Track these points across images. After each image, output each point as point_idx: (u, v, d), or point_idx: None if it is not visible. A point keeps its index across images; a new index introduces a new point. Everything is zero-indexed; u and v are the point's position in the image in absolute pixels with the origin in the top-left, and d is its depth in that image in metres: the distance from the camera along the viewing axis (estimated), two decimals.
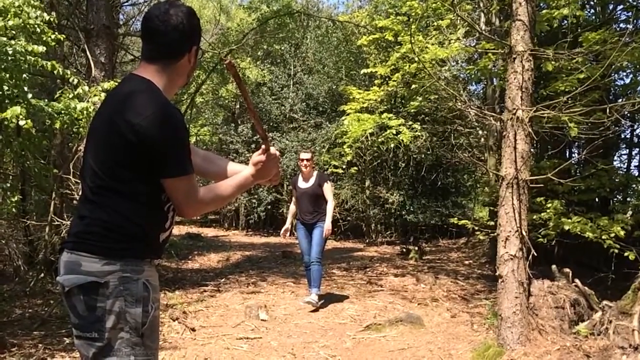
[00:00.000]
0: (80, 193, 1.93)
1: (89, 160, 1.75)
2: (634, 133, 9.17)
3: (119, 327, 1.65)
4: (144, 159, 1.67)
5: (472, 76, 9.09)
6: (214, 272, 8.89)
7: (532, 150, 5.32)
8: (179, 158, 1.71)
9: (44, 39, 4.54)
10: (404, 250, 11.08)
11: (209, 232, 16.93)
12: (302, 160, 6.15)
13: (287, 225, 6.28)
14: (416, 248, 10.86)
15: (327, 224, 5.94)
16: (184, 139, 1.72)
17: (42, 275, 6.54)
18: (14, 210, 6.32)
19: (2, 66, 4.06)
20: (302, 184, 6.13)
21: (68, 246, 1.71)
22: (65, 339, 4.64)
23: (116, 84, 1.95)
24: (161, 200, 1.77)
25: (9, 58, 4.15)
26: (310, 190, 6.04)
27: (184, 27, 1.76)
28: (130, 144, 1.65)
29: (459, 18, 6.97)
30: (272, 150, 1.99)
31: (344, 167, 12.20)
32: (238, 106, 18.09)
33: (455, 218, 7.57)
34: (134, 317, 1.67)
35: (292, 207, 6.34)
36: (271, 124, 16.60)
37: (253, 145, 16.06)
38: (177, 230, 14.66)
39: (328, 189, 6.09)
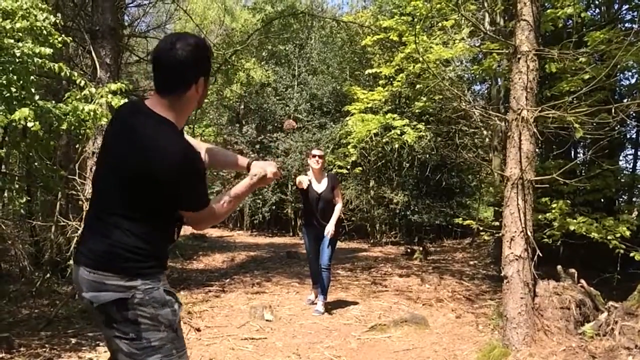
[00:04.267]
0: (92, 203, 1.97)
1: (110, 184, 1.87)
2: None
3: (154, 328, 1.83)
4: (168, 197, 1.85)
5: (477, 76, 9.10)
6: (219, 272, 8.92)
7: (537, 150, 5.31)
8: (199, 193, 1.92)
9: (51, 41, 4.57)
10: (409, 250, 11.07)
11: (214, 232, 16.96)
12: (314, 156, 5.86)
13: (303, 178, 5.77)
14: (421, 248, 10.86)
15: (331, 225, 5.75)
16: (203, 176, 1.92)
17: (48, 275, 6.57)
18: (22, 211, 6.37)
19: (10, 68, 4.09)
20: (315, 185, 5.88)
21: (89, 264, 1.83)
22: (71, 339, 4.66)
23: (132, 106, 2.01)
24: (174, 219, 1.96)
25: (17, 60, 4.18)
26: (324, 194, 5.83)
27: (188, 61, 1.84)
28: (155, 185, 1.81)
29: (463, 18, 6.97)
30: (269, 173, 2.17)
31: (348, 167, 12.21)
32: (242, 107, 18.12)
33: (460, 218, 7.58)
34: (166, 317, 1.85)
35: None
36: (275, 124, 16.63)
37: (257, 146, 16.10)
38: (182, 231, 14.67)
39: (339, 192, 5.97)
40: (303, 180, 5.76)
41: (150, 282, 1.84)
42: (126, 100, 5.39)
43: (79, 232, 1.94)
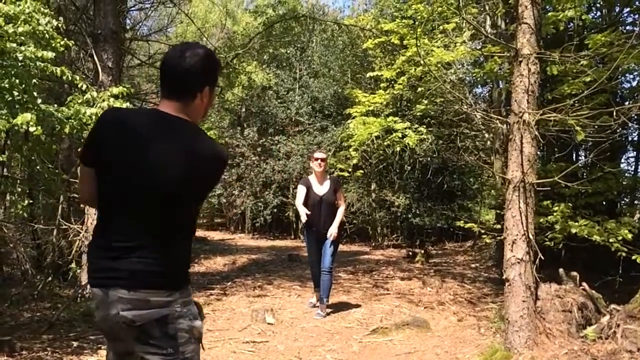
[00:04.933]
0: (115, 218, 1.84)
1: (144, 201, 1.80)
2: None
3: (188, 341, 1.85)
4: (200, 200, 1.98)
5: (478, 79, 9.12)
6: (220, 275, 8.92)
7: (538, 153, 5.31)
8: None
9: (53, 44, 4.58)
10: (410, 253, 11.06)
11: (215, 235, 16.98)
12: (317, 159, 5.83)
13: (303, 210, 5.71)
14: (422, 251, 10.84)
15: (334, 228, 5.74)
16: None
17: (50, 279, 6.58)
18: (25, 214, 6.38)
19: (12, 72, 4.10)
20: (317, 188, 5.85)
21: (128, 285, 1.76)
22: (73, 342, 4.67)
23: (154, 117, 1.90)
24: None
25: (19, 64, 4.19)
26: (327, 197, 5.80)
27: (195, 70, 1.86)
28: (201, 191, 1.93)
29: (464, 21, 6.98)
30: None
31: (349, 170, 12.20)
32: (244, 110, 18.14)
33: (462, 221, 7.57)
34: (199, 329, 1.90)
35: (300, 203, 5.80)
36: (277, 127, 16.64)
37: (259, 149, 16.11)
38: None
39: (341, 195, 5.97)
40: (302, 214, 5.75)
41: (185, 294, 1.87)
42: (128, 103, 5.41)
43: (96, 252, 1.86)
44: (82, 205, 6.61)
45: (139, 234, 1.79)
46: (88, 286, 6.13)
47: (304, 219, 5.73)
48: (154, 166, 1.78)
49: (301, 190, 5.86)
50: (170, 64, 1.87)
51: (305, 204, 5.84)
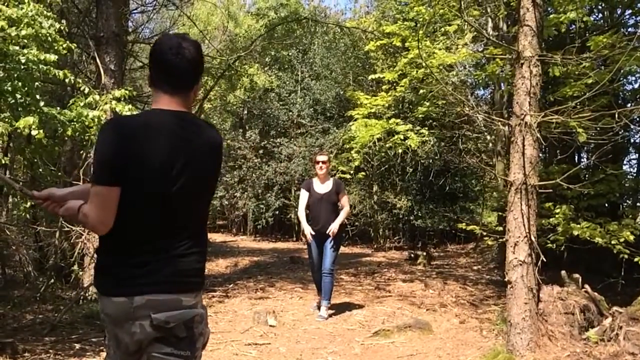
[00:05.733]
0: (147, 232, 1.78)
1: (182, 207, 1.80)
2: None
3: (201, 344, 1.85)
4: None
5: (480, 81, 9.11)
6: (222, 277, 8.92)
7: (540, 155, 5.31)
8: None
9: (56, 47, 4.60)
10: (412, 255, 11.05)
11: (217, 237, 16.98)
12: (318, 162, 5.86)
13: (308, 228, 5.83)
14: (424, 253, 10.83)
15: (336, 224, 5.71)
16: None
17: (52, 281, 6.59)
18: (27, 217, 6.39)
19: (15, 75, 4.11)
20: (318, 187, 5.88)
21: (157, 290, 1.74)
22: (75, 344, 4.68)
23: (167, 116, 1.82)
24: None
25: (22, 67, 4.21)
26: (327, 196, 5.82)
27: (196, 62, 1.83)
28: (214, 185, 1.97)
29: (466, 23, 6.98)
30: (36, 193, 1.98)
31: (351, 172, 12.20)
32: (246, 112, 18.16)
33: (464, 223, 7.58)
34: (208, 335, 1.91)
35: (303, 213, 5.94)
36: (279, 129, 16.66)
37: (261, 151, 16.13)
38: None
39: (346, 200, 5.97)
40: (307, 233, 5.84)
41: (201, 298, 1.87)
42: (130, 106, 5.42)
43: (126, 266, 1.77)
44: None
45: (171, 242, 1.80)
46: (90, 288, 6.16)
47: (309, 238, 5.83)
48: (195, 167, 1.81)
49: (303, 195, 5.95)
50: (169, 55, 1.78)
51: (307, 204, 5.92)
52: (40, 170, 5.79)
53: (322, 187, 5.90)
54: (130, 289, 1.73)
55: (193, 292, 1.81)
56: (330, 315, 5.89)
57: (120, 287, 1.75)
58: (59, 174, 6.31)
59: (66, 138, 6.40)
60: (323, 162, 5.87)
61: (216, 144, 1.89)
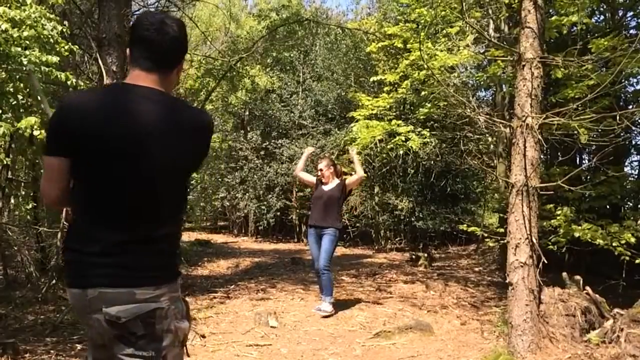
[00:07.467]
0: (109, 219, 1.69)
1: (146, 192, 1.69)
2: None
3: (172, 344, 1.72)
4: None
5: (482, 83, 9.11)
6: (224, 278, 8.92)
7: (541, 157, 5.31)
8: None
9: (58, 49, 4.62)
10: (414, 257, 11.04)
11: (218, 238, 16.99)
12: (321, 170, 6.17)
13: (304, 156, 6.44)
14: (425, 255, 10.83)
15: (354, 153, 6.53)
16: None
17: (54, 281, 6.59)
18: (29, 217, 6.40)
19: (17, 76, 4.13)
20: (324, 185, 6.16)
21: (109, 283, 1.65)
22: (77, 345, 4.68)
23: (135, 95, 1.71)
24: None
25: (24, 68, 4.22)
26: (331, 193, 6.05)
27: (179, 40, 1.76)
28: (196, 167, 1.85)
29: (467, 25, 6.98)
30: None
31: (352, 173, 12.18)
32: (247, 113, 18.18)
33: (465, 225, 7.56)
34: (184, 331, 1.76)
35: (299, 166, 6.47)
36: (280, 130, 16.68)
37: (262, 152, 16.14)
38: (187, 237, 14.73)
39: (356, 175, 6.28)
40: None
41: (174, 289, 1.73)
42: None
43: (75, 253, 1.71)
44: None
45: (143, 227, 1.71)
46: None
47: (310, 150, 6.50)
48: (165, 151, 1.68)
49: (310, 176, 6.51)
50: (151, 32, 1.70)
51: (312, 197, 6.37)
52: (42, 171, 5.80)
53: (327, 186, 6.15)
54: (84, 280, 1.67)
55: (151, 285, 1.67)
56: (330, 315, 5.90)
57: (75, 278, 1.71)
58: None
59: None
60: (320, 170, 6.16)
61: (197, 125, 1.76)
